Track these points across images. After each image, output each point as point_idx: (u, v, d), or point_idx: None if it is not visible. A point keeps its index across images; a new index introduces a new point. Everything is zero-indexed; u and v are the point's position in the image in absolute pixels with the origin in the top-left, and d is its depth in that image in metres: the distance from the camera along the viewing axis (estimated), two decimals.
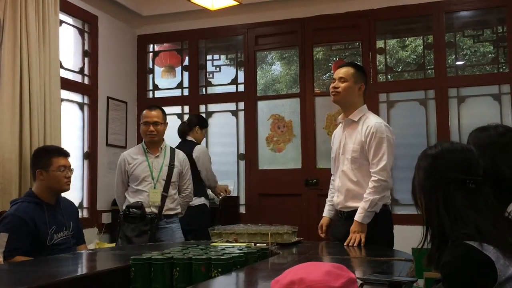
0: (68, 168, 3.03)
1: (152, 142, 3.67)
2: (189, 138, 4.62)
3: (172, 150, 3.77)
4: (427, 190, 1.50)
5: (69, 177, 3.02)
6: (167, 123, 3.77)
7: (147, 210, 3.54)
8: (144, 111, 3.73)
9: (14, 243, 2.66)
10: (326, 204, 3.17)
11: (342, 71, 2.99)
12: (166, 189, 3.61)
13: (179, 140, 4.66)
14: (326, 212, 3.13)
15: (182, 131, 4.69)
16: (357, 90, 2.97)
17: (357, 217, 2.78)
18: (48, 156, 2.98)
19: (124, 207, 3.61)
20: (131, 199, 3.60)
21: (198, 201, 4.36)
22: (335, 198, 3.02)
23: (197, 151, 4.46)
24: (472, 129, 1.86)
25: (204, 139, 4.93)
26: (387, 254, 2.42)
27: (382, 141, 2.83)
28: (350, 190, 2.90)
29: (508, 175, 1.66)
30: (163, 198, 3.59)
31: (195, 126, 4.64)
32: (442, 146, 1.55)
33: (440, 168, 1.49)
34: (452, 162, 1.49)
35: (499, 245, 1.34)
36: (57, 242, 2.89)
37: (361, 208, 2.78)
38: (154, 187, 3.58)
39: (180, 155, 3.79)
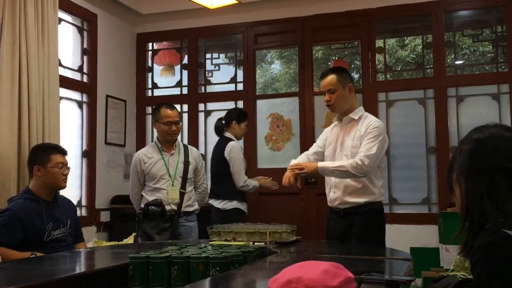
0: (65, 165, 3.05)
1: (171, 141, 3.73)
2: (227, 134, 4.32)
3: (185, 147, 3.84)
4: (471, 174, 1.42)
5: (66, 175, 3.05)
6: None
7: (167, 207, 3.59)
8: (163, 111, 3.70)
9: (2, 237, 2.71)
10: (303, 154, 3.20)
11: (327, 82, 3.02)
12: (183, 186, 3.67)
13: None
14: (301, 158, 3.15)
15: (218, 128, 4.40)
16: (348, 93, 3.02)
17: (320, 163, 2.91)
18: (47, 153, 3.00)
19: (142, 206, 3.64)
20: (149, 197, 3.65)
21: (229, 205, 4.13)
22: (331, 194, 3.05)
23: (228, 149, 4.17)
24: (471, 128, 1.86)
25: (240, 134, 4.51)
26: (385, 253, 2.42)
27: (379, 137, 2.89)
28: (349, 185, 2.94)
29: None
30: (181, 195, 3.66)
31: (232, 121, 4.33)
32: (490, 132, 1.50)
33: (487, 154, 1.42)
34: (501, 149, 1.42)
35: None
36: (56, 238, 2.91)
37: (329, 163, 2.90)
38: (172, 185, 3.63)
39: (193, 151, 3.86)
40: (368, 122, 2.94)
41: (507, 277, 1.26)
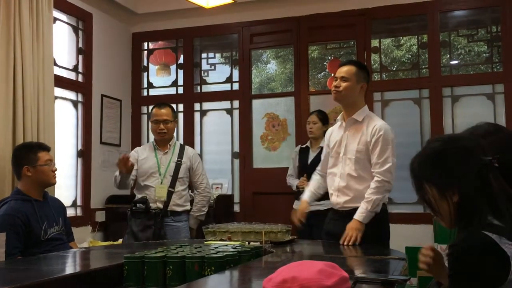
0: (53, 162, 3.04)
1: (162, 140, 3.73)
2: None
3: (182, 147, 3.83)
4: (462, 181, 1.41)
5: (55, 171, 3.03)
6: (176, 120, 3.83)
7: (153, 205, 3.61)
8: (153, 109, 3.76)
9: (12, 242, 2.68)
10: (307, 190, 3.13)
11: (344, 70, 2.95)
12: (172, 184, 3.67)
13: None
14: (307, 197, 3.08)
15: None
16: (359, 90, 2.94)
17: (358, 216, 2.75)
18: (34, 151, 2.98)
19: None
20: (138, 194, 3.68)
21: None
22: (333, 198, 2.97)
23: None
24: (466, 128, 1.86)
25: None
26: (381, 253, 2.42)
27: (388, 143, 2.82)
28: (354, 191, 2.87)
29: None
30: (169, 193, 3.65)
31: None
32: (448, 136, 1.51)
33: (461, 158, 1.43)
34: (463, 150, 1.44)
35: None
36: (51, 237, 2.91)
37: (363, 208, 2.76)
38: (161, 183, 3.64)
39: (189, 151, 3.85)
40: (373, 126, 2.86)
41: (471, 277, 1.30)
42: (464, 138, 1.51)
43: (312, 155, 4.43)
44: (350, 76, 2.91)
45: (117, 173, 3.59)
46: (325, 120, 4.47)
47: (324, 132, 4.40)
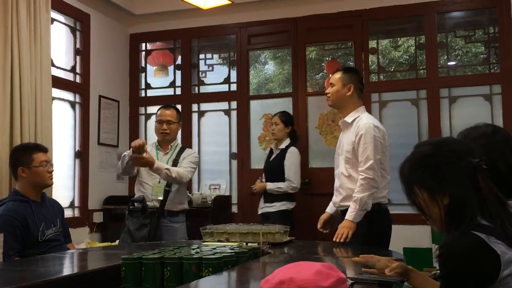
0: (49, 163, 3.03)
1: (164, 140, 3.78)
2: None
3: (182, 148, 3.86)
4: (452, 185, 1.42)
5: (51, 172, 3.02)
6: (181, 123, 3.89)
7: (149, 204, 3.62)
8: (159, 110, 3.83)
9: (10, 243, 2.67)
10: (331, 202, 3.22)
11: (332, 77, 3.15)
12: (170, 184, 3.68)
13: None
14: (329, 208, 3.19)
15: None
16: (346, 92, 3.06)
17: (349, 216, 2.84)
18: (29, 153, 2.98)
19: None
20: (137, 193, 3.72)
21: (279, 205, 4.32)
22: (333, 197, 3.12)
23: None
24: (463, 129, 1.86)
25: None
26: (379, 254, 2.42)
27: (368, 141, 2.91)
28: (347, 190, 2.97)
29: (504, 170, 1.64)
30: (166, 192, 3.66)
31: None
32: (436, 140, 1.52)
33: (450, 160, 1.43)
34: (452, 153, 1.45)
35: (503, 238, 1.32)
36: (49, 238, 2.90)
37: (352, 208, 2.85)
38: (159, 182, 3.67)
39: (187, 152, 3.87)
40: (357, 127, 2.96)
41: (461, 277, 1.30)
42: (452, 141, 1.52)
43: (272, 156, 4.51)
44: (335, 81, 3.09)
45: (127, 151, 3.61)
46: (288, 122, 4.50)
47: (287, 134, 4.45)
